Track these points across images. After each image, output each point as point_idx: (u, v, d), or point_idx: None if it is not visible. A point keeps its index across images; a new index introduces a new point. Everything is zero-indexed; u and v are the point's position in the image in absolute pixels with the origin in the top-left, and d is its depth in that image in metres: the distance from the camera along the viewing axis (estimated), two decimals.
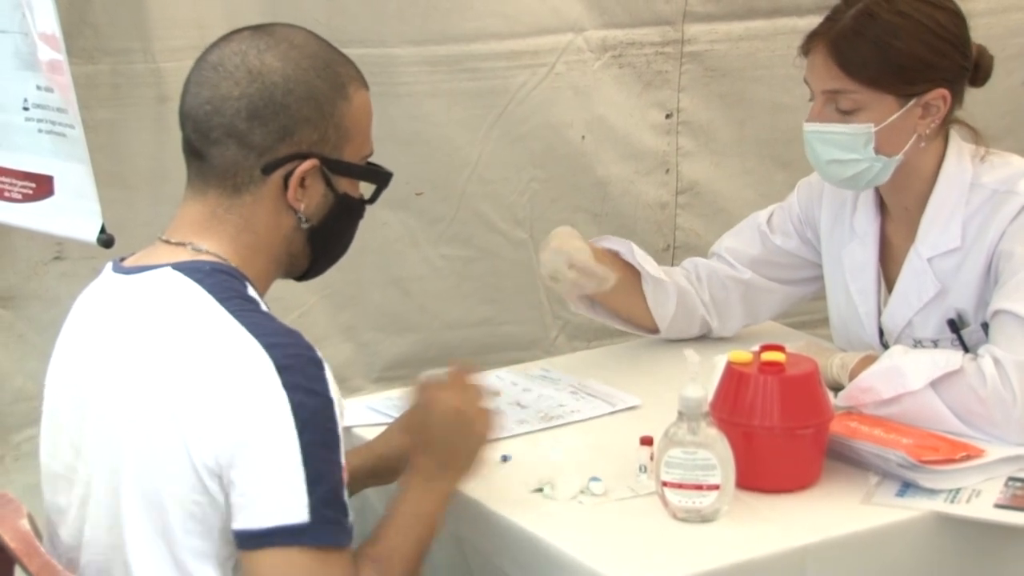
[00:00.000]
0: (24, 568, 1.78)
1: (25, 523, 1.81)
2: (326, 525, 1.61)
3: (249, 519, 1.61)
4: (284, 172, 1.73)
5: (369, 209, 1.86)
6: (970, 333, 2.22)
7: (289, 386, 1.61)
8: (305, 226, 1.77)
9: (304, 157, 1.73)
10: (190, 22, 2.47)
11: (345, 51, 1.93)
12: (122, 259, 1.81)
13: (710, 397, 1.92)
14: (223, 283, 1.69)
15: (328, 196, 1.78)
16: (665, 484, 1.86)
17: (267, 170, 1.73)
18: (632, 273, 2.41)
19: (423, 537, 1.76)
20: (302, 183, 1.74)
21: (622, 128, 3.01)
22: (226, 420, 1.61)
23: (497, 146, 2.89)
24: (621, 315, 2.46)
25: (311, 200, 1.76)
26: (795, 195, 2.47)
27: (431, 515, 1.77)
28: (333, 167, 1.76)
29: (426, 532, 1.76)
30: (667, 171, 3.08)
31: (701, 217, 3.11)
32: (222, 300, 1.66)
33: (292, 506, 1.59)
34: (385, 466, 1.94)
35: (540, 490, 1.95)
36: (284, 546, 1.60)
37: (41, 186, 2.26)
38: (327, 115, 1.74)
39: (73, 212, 2.22)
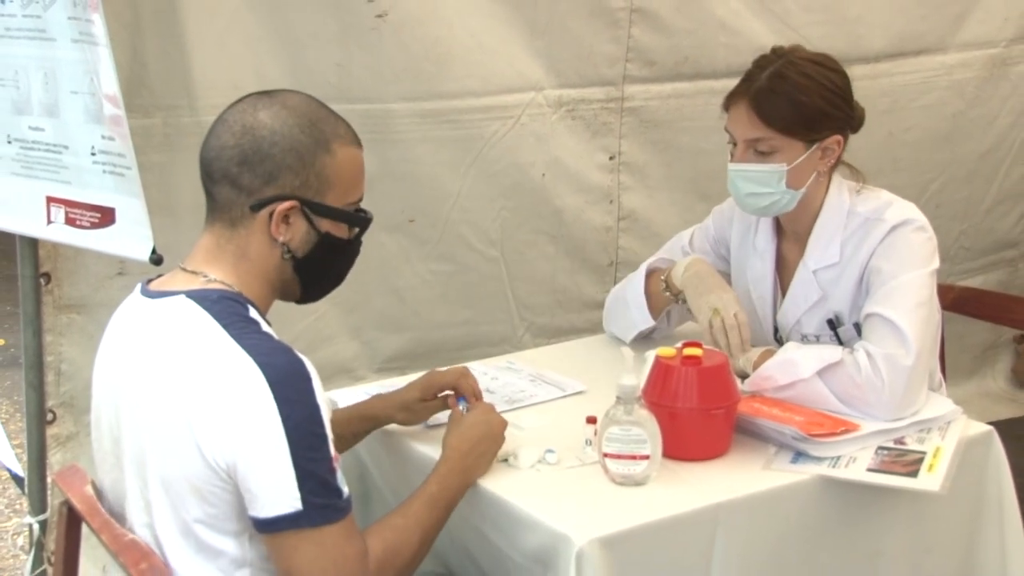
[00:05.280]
0: (88, 524, 1.77)
1: (89, 488, 1.80)
2: (318, 509, 1.59)
3: (257, 510, 1.60)
4: (269, 210, 1.68)
5: (371, 233, 1.81)
6: (845, 331, 2.22)
7: (280, 399, 1.57)
8: (287, 257, 1.71)
9: (286, 199, 1.68)
10: (227, 83, 2.45)
11: (351, 107, 1.92)
12: (149, 281, 1.76)
13: (642, 384, 1.92)
14: (227, 309, 1.65)
15: (311, 233, 1.71)
16: (606, 455, 1.85)
17: (255, 208, 1.68)
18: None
19: (439, 518, 1.77)
20: (286, 220, 1.69)
21: (574, 167, 3.00)
22: (228, 429, 1.58)
23: (474, 182, 2.88)
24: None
25: (295, 235, 1.70)
26: (710, 219, 2.46)
27: (449, 500, 1.79)
28: (314, 209, 1.70)
29: (443, 515, 1.78)
30: (611, 202, 3.07)
31: (638, 239, 3.10)
32: (225, 325, 1.63)
33: (287, 499, 1.58)
34: (372, 423, 2.06)
35: (505, 460, 1.94)
36: (287, 531, 1.59)
37: (105, 216, 2.24)
38: (308, 164, 1.68)
39: (130, 237, 2.20)
